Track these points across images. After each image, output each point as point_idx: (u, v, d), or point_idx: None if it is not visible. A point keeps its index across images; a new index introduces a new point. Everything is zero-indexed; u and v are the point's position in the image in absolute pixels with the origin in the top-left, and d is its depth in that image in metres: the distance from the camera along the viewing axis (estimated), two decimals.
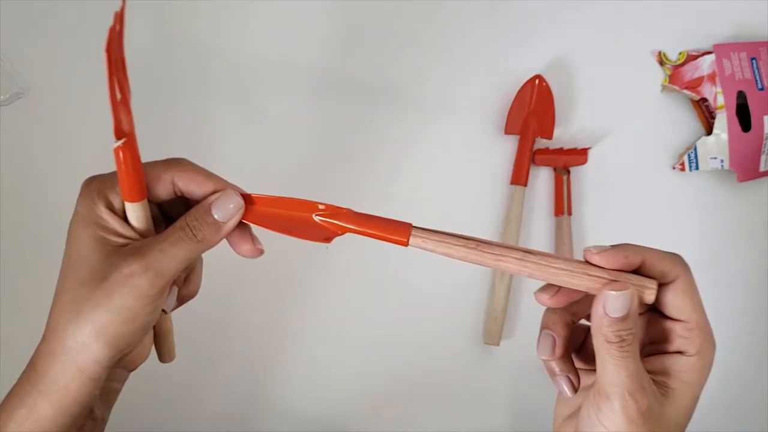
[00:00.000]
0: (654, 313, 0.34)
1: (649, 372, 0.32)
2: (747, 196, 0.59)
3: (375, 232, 0.34)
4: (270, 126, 0.58)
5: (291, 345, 0.56)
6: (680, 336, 0.33)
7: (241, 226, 0.35)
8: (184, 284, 0.38)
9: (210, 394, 0.55)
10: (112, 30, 0.32)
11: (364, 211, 0.35)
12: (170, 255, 0.32)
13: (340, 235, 0.34)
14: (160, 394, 0.54)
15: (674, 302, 0.32)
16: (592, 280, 0.32)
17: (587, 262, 0.32)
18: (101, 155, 0.56)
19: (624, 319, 0.31)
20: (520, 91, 0.58)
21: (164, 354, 0.40)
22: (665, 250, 0.33)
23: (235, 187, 0.35)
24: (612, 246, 0.32)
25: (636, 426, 0.31)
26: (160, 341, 0.40)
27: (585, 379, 0.36)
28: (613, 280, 0.31)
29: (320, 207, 0.34)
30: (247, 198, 0.34)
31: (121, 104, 0.33)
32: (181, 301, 0.38)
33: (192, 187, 0.34)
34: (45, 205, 0.55)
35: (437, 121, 0.58)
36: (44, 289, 0.54)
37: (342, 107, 0.58)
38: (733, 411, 0.56)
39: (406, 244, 0.34)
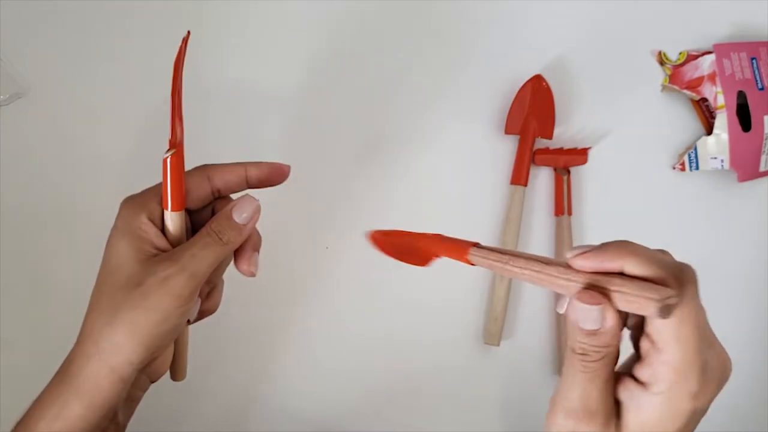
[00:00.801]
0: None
1: (618, 391, 0.29)
2: (747, 196, 0.59)
3: (447, 254, 0.35)
4: (275, 129, 0.58)
5: (291, 345, 0.56)
6: (649, 365, 0.27)
7: (247, 248, 0.38)
8: (206, 299, 0.40)
9: (210, 394, 0.55)
10: (180, 49, 0.36)
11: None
12: (201, 257, 0.35)
13: (437, 258, 0.37)
14: (160, 393, 0.53)
15: (653, 323, 0.27)
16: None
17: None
18: (101, 155, 0.56)
19: (593, 334, 0.27)
20: (520, 91, 0.58)
21: (177, 371, 0.42)
22: (669, 257, 0.28)
23: (271, 164, 0.39)
24: (597, 247, 0.28)
25: None
26: (176, 356, 0.41)
27: None
28: (584, 288, 0.27)
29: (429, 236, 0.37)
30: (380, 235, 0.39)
31: (177, 117, 0.36)
32: (201, 315, 0.41)
33: (228, 177, 0.38)
34: (45, 206, 0.55)
35: (437, 122, 0.58)
36: (44, 288, 0.54)
37: (341, 108, 0.58)
38: (732, 412, 0.56)
39: (469, 262, 0.34)
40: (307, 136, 0.58)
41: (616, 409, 0.29)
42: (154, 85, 0.55)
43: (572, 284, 0.28)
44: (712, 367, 0.27)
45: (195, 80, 0.57)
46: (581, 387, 0.28)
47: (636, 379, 0.28)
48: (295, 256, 0.57)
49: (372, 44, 0.59)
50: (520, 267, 0.30)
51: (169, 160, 0.35)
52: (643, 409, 0.28)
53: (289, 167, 0.40)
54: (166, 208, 0.36)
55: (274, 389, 0.55)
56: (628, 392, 0.28)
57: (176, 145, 0.35)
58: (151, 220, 0.36)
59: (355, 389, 0.56)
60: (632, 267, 0.27)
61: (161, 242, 0.36)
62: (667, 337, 0.26)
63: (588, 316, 0.26)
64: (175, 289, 0.34)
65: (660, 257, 0.27)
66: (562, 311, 0.29)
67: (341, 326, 0.56)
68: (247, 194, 0.38)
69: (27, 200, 0.55)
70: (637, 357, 0.29)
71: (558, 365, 0.56)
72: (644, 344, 0.28)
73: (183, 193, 0.36)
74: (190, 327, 0.42)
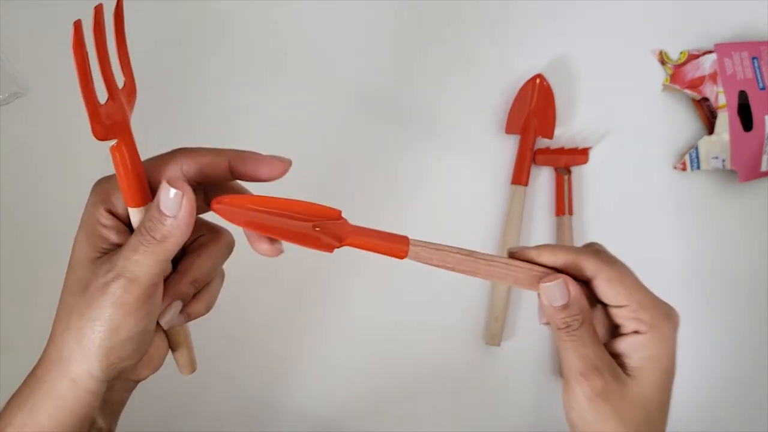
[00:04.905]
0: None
1: (614, 355, 0.34)
2: (748, 195, 0.59)
3: (373, 246, 0.34)
4: (272, 120, 0.58)
5: (292, 344, 0.56)
6: (629, 319, 0.34)
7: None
8: (193, 300, 0.35)
9: (215, 393, 0.55)
10: (77, 26, 0.29)
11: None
12: (134, 261, 0.29)
13: (339, 248, 0.33)
14: (166, 393, 0.53)
15: (606, 293, 0.34)
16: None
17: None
18: (101, 156, 0.56)
19: (565, 307, 0.33)
20: (520, 91, 0.58)
21: (182, 366, 0.39)
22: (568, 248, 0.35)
23: (249, 153, 0.32)
24: (538, 247, 0.35)
25: (596, 404, 0.32)
26: (178, 352, 0.38)
27: None
28: (548, 274, 0.34)
29: (317, 218, 0.33)
30: (237, 199, 0.30)
31: (110, 99, 0.30)
32: (189, 316, 0.35)
33: (207, 169, 0.31)
34: (45, 205, 0.55)
35: (438, 121, 0.58)
36: (44, 290, 0.54)
37: (341, 108, 0.58)
38: (734, 412, 0.56)
39: (404, 256, 0.34)
40: (307, 137, 0.58)
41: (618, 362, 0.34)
42: (154, 85, 0.55)
43: (521, 275, 0.34)
44: (658, 298, 0.34)
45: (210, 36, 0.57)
46: (577, 352, 0.33)
47: (625, 334, 0.34)
48: (300, 256, 0.56)
49: (372, 44, 0.59)
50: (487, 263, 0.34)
51: (115, 151, 0.29)
52: (645, 346, 0.33)
53: (287, 162, 0.33)
54: (127, 204, 0.31)
55: (272, 387, 0.55)
56: (631, 343, 0.34)
57: (115, 134, 0.29)
58: (112, 213, 0.31)
59: (356, 390, 0.56)
60: (575, 261, 0.34)
61: (119, 238, 0.31)
62: (624, 294, 0.33)
63: (555, 294, 0.33)
64: (116, 296, 0.29)
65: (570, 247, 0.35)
66: (543, 322, 0.35)
67: (342, 327, 0.56)
68: (173, 178, 0.30)
69: (27, 200, 0.55)
70: (614, 324, 0.35)
71: (557, 366, 0.56)
72: (614, 311, 0.34)
73: (144, 187, 0.30)
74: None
